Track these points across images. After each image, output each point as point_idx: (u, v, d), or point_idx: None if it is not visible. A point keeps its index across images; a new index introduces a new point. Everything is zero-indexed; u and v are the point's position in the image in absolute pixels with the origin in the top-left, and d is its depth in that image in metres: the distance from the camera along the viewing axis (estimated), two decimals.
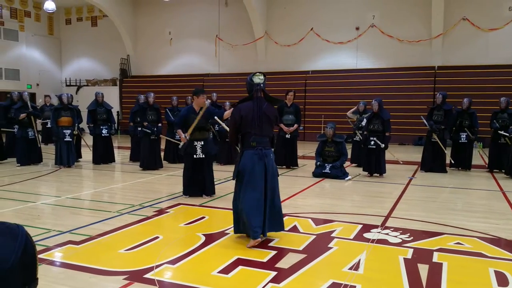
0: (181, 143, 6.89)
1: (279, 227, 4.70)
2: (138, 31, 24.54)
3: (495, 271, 3.79)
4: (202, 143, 6.72)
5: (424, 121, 10.04)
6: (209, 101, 11.43)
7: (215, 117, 7.02)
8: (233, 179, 4.70)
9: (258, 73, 4.67)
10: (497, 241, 4.69)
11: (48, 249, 4.27)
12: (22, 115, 10.60)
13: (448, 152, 10.05)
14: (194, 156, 6.71)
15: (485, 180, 9.03)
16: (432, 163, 9.93)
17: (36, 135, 10.85)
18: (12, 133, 12.04)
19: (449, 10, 17.75)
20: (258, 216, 4.41)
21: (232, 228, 4.83)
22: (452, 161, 10.18)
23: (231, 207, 4.76)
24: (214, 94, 12.16)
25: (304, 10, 20.35)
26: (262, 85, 4.61)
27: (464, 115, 10.16)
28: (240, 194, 4.55)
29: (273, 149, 4.75)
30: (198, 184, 6.84)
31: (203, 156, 6.73)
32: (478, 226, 5.30)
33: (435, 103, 10.23)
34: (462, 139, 10.12)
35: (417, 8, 18.41)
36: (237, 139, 4.74)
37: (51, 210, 6.12)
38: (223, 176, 8.77)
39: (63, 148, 10.09)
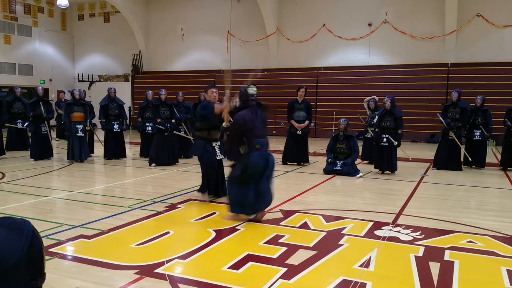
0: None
1: (267, 203, 5.23)
2: (150, 27, 24.63)
3: (508, 270, 3.75)
4: (219, 143, 6.45)
5: (441, 118, 9.88)
6: (225, 97, 11.43)
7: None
8: (238, 174, 5.06)
9: (251, 85, 5.24)
10: (510, 240, 4.64)
11: (60, 243, 4.32)
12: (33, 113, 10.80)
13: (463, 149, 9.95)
14: (216, 157, 6.42)
15: (498, 178, 8.93)
16: (447, 161, 9.82)
17: (48, 130, 10.96)
18: (15, 128, 12.27)
19: (463, 6, 17.53)
20: (245, 209, 5.05)
21: (243, 224, 4.87)
22: (470, 159, 10.00)
23: None
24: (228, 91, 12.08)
25: (316, 6, 20.26)
26: (255, 95, 5.20)
27: (478, 113, 10.02)
28: (237, 184, 5.08)
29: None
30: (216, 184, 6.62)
31: (223, 157, 6.49)
32: (490, 224, 5.25)
33: (448, 100, 10.10)
34: (476, 136, 9.99)
35: (431, 4, 18.22)
36: (239, 143, 5.10)
37: (63, 205, 6.19)
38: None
39: (75, 143, 10.15)
